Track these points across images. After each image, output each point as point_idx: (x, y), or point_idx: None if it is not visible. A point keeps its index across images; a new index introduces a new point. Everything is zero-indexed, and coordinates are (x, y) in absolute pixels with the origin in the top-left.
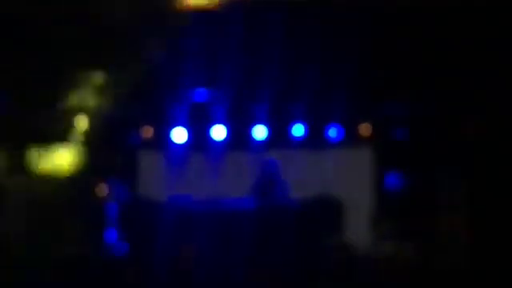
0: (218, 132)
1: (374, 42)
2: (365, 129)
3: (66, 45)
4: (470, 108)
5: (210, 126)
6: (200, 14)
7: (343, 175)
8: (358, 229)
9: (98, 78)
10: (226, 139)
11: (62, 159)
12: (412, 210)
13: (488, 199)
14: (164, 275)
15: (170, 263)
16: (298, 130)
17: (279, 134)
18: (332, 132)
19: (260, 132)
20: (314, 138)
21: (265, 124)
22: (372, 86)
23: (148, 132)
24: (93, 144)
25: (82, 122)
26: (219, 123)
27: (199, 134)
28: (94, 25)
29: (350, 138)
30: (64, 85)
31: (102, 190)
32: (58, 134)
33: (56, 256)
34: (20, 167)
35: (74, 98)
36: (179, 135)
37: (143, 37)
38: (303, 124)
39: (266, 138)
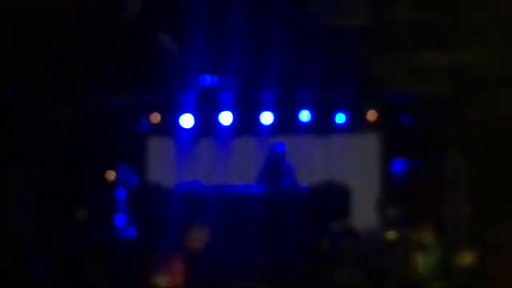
0: (226, 118)
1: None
2: (371, 115)
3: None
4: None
5: (218, 112)
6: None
7: (350, 161)
8: (365, 214)
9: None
10: (233, 125)
11: None
12: (418, 195)
13: (494, 184)
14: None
15: (179, 246)
16: (305, 116)
17: (286, 120)
18: (339, 118)
19: (267, 118)
20: (321, 124)
21: (272, 110)
22: (378, 73)
23: (156, 118)
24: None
25: None
26: (227, 109)
27: (207, 120)
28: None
29: (357, 124)
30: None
31: (111, 175)
32: None
33: (65, 241)
34: None
35: None
36: (187, 121)
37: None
38: (310, 110)
39: (273, 124)
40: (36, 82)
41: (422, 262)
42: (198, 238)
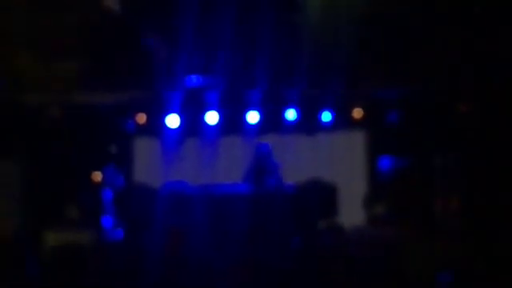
0: (212, 117)
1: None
2: (357, 112)
3: None
4: (461, 89)
5: (204, 112)
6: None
7: (337, 159)
8: (352, 212)
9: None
10: (219, 124)
11: None
12: (405, 192)
13: (482, 180)
14: (159, 260)
15: (163, 248)
16: (291, 115)
17: (272, 119)
18: (325, 116)
19: (253, 117)
20: (307, 123)
21: (258, 109)
22: (364, 71)
23: (142, 118)
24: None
25: None
26: (212, 109)
27: (193, 120)
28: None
29: (343, 121)
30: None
31: (98, 176)
32: None
33: (52, 242)
34: None
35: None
36: (173, 121)
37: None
38: (296, 109)
39: (259, 123)
40: (25, 78)
41: (411, 258)
42: (177, 239)
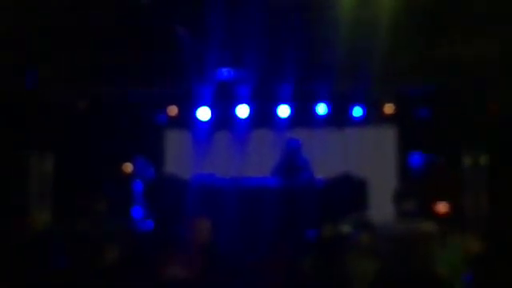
0: (243, 111)
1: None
2: (388, 108)
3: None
4: (495, 86)
5: (235, 105)
6: None
7: (367, 154)
8: (382, 207)
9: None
10: (250, 118)
11: None
12: (436, 188)
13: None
14: (188, 251)
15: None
16: (322, 109)
17: (303, 113)
18: (356, 111)
19: (284, 111)
20: (338, 117)
21: (289, 103)
22: (395, 66)
23: (173, 111)
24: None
25: None
26: (244, 102)
27: (224, 113)
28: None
29: (374, 117)
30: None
31: (128, 167)
32: None
33: (83, 232)
34: None
35: None
36: (204, 114)
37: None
38: (327, 103)
39: (290, 117)
40: (54, 70)
41: (442, 257)
42: (204, 229)
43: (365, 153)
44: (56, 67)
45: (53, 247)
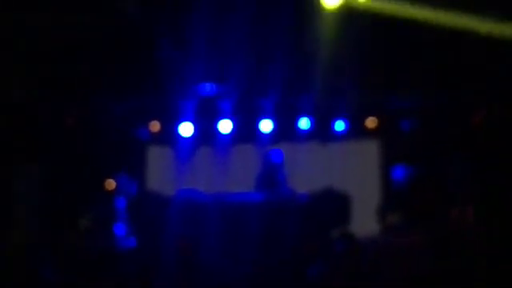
0: (225, 126)
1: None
2: (371, 121)
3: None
4: (479, 98)
5: (217, 120)
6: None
7: (350, 168)
8: (365, 221)
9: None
10: (232, 133)
11: None
12: (420, 201)
13: (497, 189)
14: (172, 268)
15: (176, 256)
16: (305, 124)
17: (286, 128)
18: (338, 125)
19: (266, 126)
20: (321, 132)
21: (271, 118)
22: (378, 80)
23: (155, 127)
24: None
25: None
26: (226, 117)
27: (206, 128)
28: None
29: (357, 130)
30: None
31: (111, 184)
32: None
33: (65, 248)
34: None
35: None
36: (186, 129)
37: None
38: (309, 117)
39: (273, 132)
40: (41, 83)
41: (425, 268)
42: (186, 246)
43: (348, 167)
44: (42, 81)
45: (38, 260)
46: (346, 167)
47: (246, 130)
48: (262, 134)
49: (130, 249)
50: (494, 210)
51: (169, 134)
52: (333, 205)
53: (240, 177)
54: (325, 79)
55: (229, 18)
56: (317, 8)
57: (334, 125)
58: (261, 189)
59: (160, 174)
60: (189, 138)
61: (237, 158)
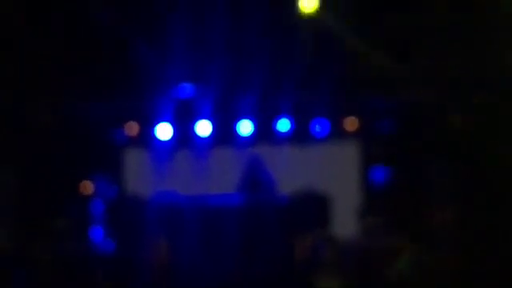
0: (204, 128)
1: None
2: (350, 123)
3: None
4: (457, 100)
5: (195, 122)
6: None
7: (329, 170)
8: (345, 223)
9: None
10: (211, 135)
11: None
12: (399, 203)
13: (477, 191)
14: (149, 271)
15: (153, 259)
16: (284, 125)
17: (265, 129)
18: (318, 126)
19: (245, 127)
20: (300, 133)
21: (250, 119)
22: (357, 80)
23: (133, 129)
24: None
25: None
26: (204, 119)
27: (184, 130)
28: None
29: (336, 132)
30: None
31: (88, 187)
32: None
33: (42, 254)
34: None
35: None
36: (164, 132)
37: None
38: (289, 118)
39: (252, 133)
40: (13, 86)
41: (405, 271)
42: (164, 249)
43: (328, 168)
44: (15, 82)
45: (10, 268)
46: (325, 169)
47: (224, 132)
48: (241, 135)
49: (107, 252)
50: (473, 211)
51: (146, 136)
52: (312, 207)
53: (219, 179)
54: (303, 80)
55: (206, 18)
56: (295, 8)
57: (313, 126)
58: (243, 191)
59: (138, 176)
60: (167, 140)
61: (216, 160)
